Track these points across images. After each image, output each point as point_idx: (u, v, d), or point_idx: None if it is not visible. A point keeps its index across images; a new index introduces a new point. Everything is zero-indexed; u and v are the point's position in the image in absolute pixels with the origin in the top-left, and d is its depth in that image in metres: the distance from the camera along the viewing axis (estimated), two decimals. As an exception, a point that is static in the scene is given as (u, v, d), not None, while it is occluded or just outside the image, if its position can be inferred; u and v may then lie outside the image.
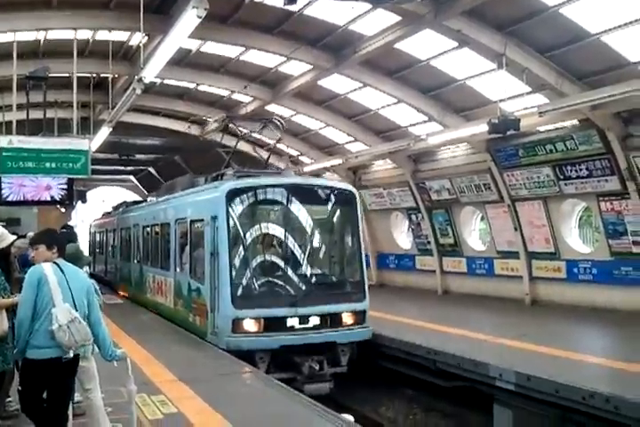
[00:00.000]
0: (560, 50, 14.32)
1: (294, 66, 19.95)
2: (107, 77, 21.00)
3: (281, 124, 15.51)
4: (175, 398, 7.74)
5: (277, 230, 12.67)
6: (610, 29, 13.01)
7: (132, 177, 45.98)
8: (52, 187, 17.12)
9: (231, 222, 11.91)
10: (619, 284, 15.88)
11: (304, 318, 11.55)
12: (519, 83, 15.57)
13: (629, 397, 8.06)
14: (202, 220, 12.74)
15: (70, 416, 6.01)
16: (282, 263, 12.36)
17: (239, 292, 11.68)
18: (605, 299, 16.18)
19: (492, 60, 15.34)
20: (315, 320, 11.64)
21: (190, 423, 6.80)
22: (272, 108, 24.35)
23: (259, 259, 12.46)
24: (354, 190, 13.39)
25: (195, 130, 28.96)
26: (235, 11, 16.66)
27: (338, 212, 13.33)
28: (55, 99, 20.99)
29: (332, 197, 13.07)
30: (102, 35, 18.28)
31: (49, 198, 17.27)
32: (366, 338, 12.39)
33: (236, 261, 11.86)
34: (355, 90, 20.82)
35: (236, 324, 11.27)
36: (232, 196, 12.08)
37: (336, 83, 20.70)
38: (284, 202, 12.52)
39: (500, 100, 15.55)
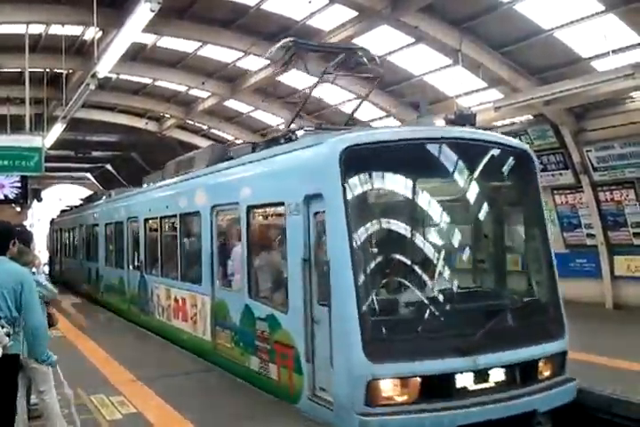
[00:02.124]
0: (514, 46, 14.52)
1: (252, 61, 19.85)
2: (60, 73, 20.61)
3: (372, 58, 9.86)
4: (134, 398, 7.65)
5: (433, 220, 7.61)
6: (562, 25, 13.24)
7: (88, 174, 45.26)
8: (5, 185, 16.80)
9: (352, 206, 6.71)
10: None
11: (482, 374, 6.62)
12: (475, 78, 15.76)
13: None
14: (277, 204, 7.91)
15: (25, 418, 5.91)
16: (442, 278, 7.34)
17: (376, 330, 6.47)
18: None
19: (449, 55, 15.50)
20: (498, 375, 6.72)
21: (150, 424, 6.74)
22: (230, 103, 24.22)
23: (405, 271, 7.22)
24: (531, 152, 8.02)
25: (152, 126, 28.66)
26: (190, 5, 16.51)
27: (517, 187, 8.16)
28: (7, 95, 20.55)
29: (509, 162, 7.77)
30: (55, 29, 17.92)
31: (2, 197, 16.94)
32: (572, 399, 7.32)
33: (365, 276, 6.73)
34: (315, 86, 20.75)
35: (374, 389, 6.27)
36: (352, 158, 6.72)
37: (295, 78, 20.64)
38: (443, 170, 7.45)
39: (457, 96, 15.72)
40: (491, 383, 6.65)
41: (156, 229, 13.02)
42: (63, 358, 7.28)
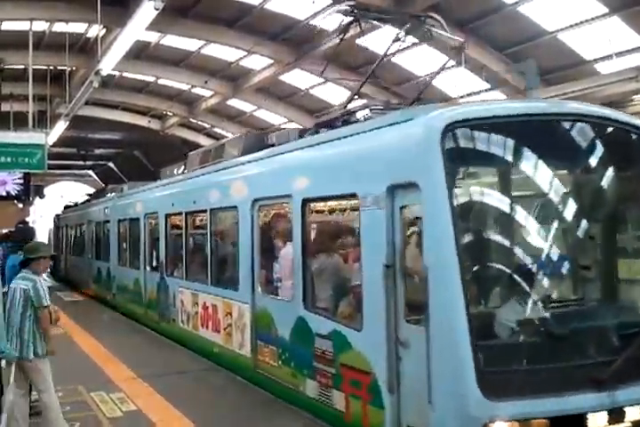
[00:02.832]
0: (518, 47, 14.53)
1: (255, 60, 19.87)
2: (64, 70, 20.62)
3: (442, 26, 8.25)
4: (134, 396, 7.66)
5: (563, 218, 5.83)
6: (566, 27, 13.24)
7: (90, 172, 45.31)
8: (8, 182, 16.79)
9: (460, 198, 5.31)
10: None
11: (618, 412, 5.09)
12: (478, 80, 15.76)
13: None
14: (346, 196, 6.57)
15: (26, 415, 5.94)
16: (576, 291, 6.10)
17: (493, 358, 5.04)
18: None
19: (452, 57, 15.47)
20: (635, 413, 5.16)
21: (150, 421, 6.75)
22: (233, 102, 24.24)
23: (527, 282, 5.53)
24: None
25: (155, 124, 28.69)
26: (194, 4, 16.52)
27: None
28: (11, 92, 20.56)
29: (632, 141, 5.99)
30: (59, 26, 17.95)
31: (4, 194, 16.94)
32: None
33: (478, 287, 5.51)
34: (317, 85, 20.82)
35: None
36: (458, 137, 5.43)
37: (298, 78, 20.68)
38: (578, 156, 5.94)
39: (460, 97, 15.72)
40: (627, 424, 5.09)
41: (179, 227, 11.55)
42: (64, 355, 7.34)
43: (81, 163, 39.01)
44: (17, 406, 5.78)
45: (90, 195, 25.07)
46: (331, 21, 16.16)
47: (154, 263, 12.89)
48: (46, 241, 31.70)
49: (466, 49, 14.37)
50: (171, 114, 27.55)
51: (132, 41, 12.09)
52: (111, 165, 41.19)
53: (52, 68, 21.03)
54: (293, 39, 17.64)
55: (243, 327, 8.38)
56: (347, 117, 7.20)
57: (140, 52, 19.72)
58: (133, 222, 14.29)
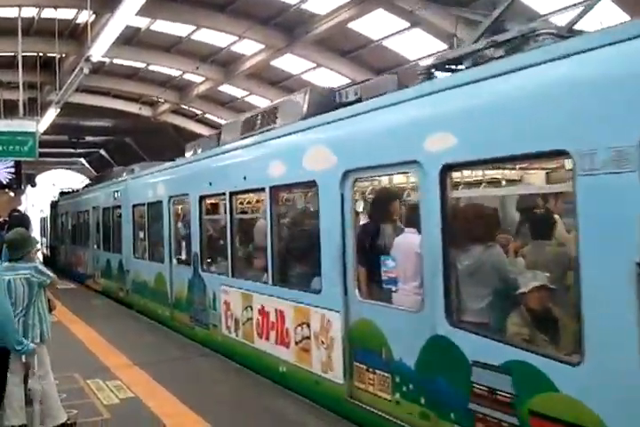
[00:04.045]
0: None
1: (247, 45, 19.76)
2: (54, 57, 20.43)
3: None
4: (131, 383, 7.67)
5: None
6: (559, 10, 13.17)
7: (82, 159, 45.10)
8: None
9: None
10: None
11: None
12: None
13: None
14: (547, 154, 4.24)
15: (22, 404, 5.94)
16: None
17: None
18: None
19: (444, 40, 15.41)
20: None
21: (147, 407, 6.77)
22: (225, 88, 24.12)
23: None
24: None
25: (146, 111, 28.52)
26: (185, -12, 16.37)
27: None
28: (0, 79, 20.38)
29: None
30: (48, 13, 17.76)
31: (-5, 182, 16.83)
32: None
33: None
34: (308, 70, 20.73)
35: None
36: None
37: (290, 63, 20.57)
38: None
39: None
40: None
41: (221, 211, 9.87)
42: (59, 343, 7.34)
43: (72, 150, 38.77)
44: (12, 394, 5.78)
45: (92, 179, 23.61)
46: (322, 5, 16.08)
47: (183, 256, 11.11)
48: (39, 231, 31.45)
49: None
50: (162, 100, 27.40)
51: (121, 26, 11.96)
52: (102, 152, 41.00)
53: (41, 54, 20.84)
54: (285, 24, 17.53)
55: (329, 343, 6.34)
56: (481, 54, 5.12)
57: (131, 38, 19.58)
58: (153, 207, 12.41)
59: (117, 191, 15.39)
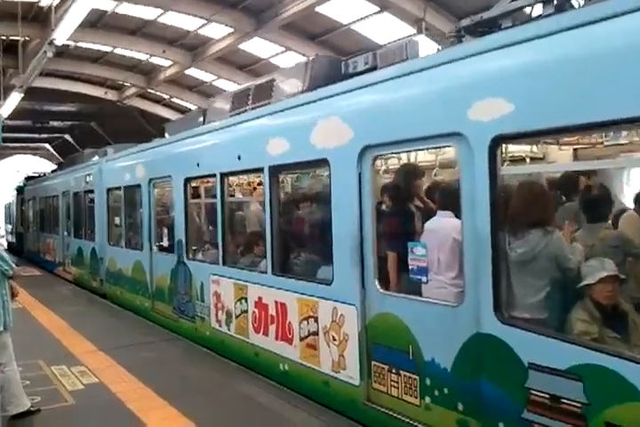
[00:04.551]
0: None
1: (215, 29, 19.54)
2: (17, 40, 19.96)
3: None
4: (96, 368, 7.63)
5: None
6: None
7: (47, 145, 44.36)
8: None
9: None
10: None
11: None
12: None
13: None
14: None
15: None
16: None
17: None
18: None
19: (412, 24, 15.42)
20: None
21: (112, 393, 6.73)
22: (192, 72, 23.88)
23: None
24: None
25: (112, 95, 28.14)
26: (151, -30, 16.11)
27: None
28: (-39, 63, 19.91)
29: None
30: (10, -5, 17.33)
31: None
32: None
33: None
34: (277, 54, 20.61)
35: None
36: None
37: (258, 47, 20.43)
38: None
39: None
40: None
41: (211, 194, 9.20)
42: (23, 329, 7.26)
43: (37, 135, 38.18)
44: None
45: (61, 163, 22.54)
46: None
47: (164, 242, 10.53)
48: (4, 217, 30.85)
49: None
50: (128, 84, 27.03)
51: (86, 9, 11.73)
52: (68, 137, 40.34)
53: (4, 38, 20.36)
54: (253, 7, 17.39)
55: (342, 339, 5.68)
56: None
57: (96, 21, 19.25)
58: (131, 191, 11.78)
59: (90, 175, 14.62)
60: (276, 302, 6.75)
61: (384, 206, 5.88)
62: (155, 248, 10.55)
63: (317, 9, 16.32)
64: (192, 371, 7.55)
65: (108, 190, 13.14)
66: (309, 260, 6.82)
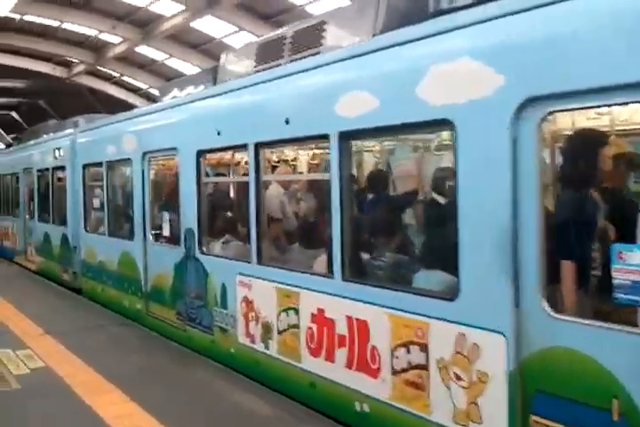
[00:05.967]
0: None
1: (166, 5, 19.18)
2: (-43, 12, 19.30)
3: None
4: (42, 352, 7.49)
5: None
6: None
7: (-9, 122, 43.12)
8: None
9: None
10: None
11: None
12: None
13: None
14: None
15: None
16: None
17: None
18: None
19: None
20: None
21: (59, 377, 6.63)
22: (143, 50, 23.41)
23: None
24: None
25: (60, 72, 27.44)
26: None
27: None
28: None
29: None
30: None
31: None
32: None
33: None
34: (230, 34, 20.35)
35: None
36: None
37: (211, 26, 20.14)
38: None
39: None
40: None
41: (240, 171, 7.66)
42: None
43: (-19, 113, 37.02)
44: None
45: (16, 137, 20.07)
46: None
47: (165, 231, 8.41)
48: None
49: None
50: (77, 61, 26.37)
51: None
52: (14, 114, 39.24)
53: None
54: (205, -16, 17.09)
55: (477, 381, 3.86)
56: None
57: (42, -6, 18.67)
58: (116, 167, 10.02)
59: (59, 149, 12.34)
60: (350, 318, 4.92)
61: (560, 190, 3.97)
62: (150, 238, 8.58)
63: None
64: (144, 356, 7.47)
65: (85, 167, 11.03)
66: (401, 261, 5.15)
